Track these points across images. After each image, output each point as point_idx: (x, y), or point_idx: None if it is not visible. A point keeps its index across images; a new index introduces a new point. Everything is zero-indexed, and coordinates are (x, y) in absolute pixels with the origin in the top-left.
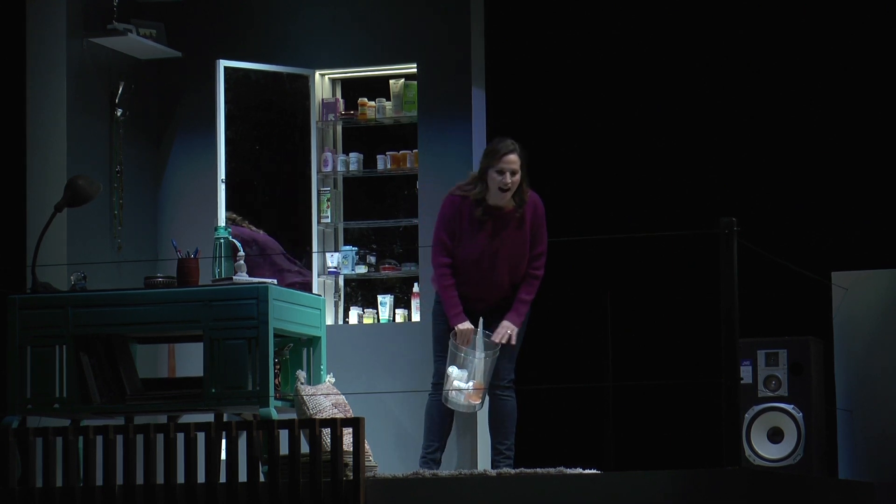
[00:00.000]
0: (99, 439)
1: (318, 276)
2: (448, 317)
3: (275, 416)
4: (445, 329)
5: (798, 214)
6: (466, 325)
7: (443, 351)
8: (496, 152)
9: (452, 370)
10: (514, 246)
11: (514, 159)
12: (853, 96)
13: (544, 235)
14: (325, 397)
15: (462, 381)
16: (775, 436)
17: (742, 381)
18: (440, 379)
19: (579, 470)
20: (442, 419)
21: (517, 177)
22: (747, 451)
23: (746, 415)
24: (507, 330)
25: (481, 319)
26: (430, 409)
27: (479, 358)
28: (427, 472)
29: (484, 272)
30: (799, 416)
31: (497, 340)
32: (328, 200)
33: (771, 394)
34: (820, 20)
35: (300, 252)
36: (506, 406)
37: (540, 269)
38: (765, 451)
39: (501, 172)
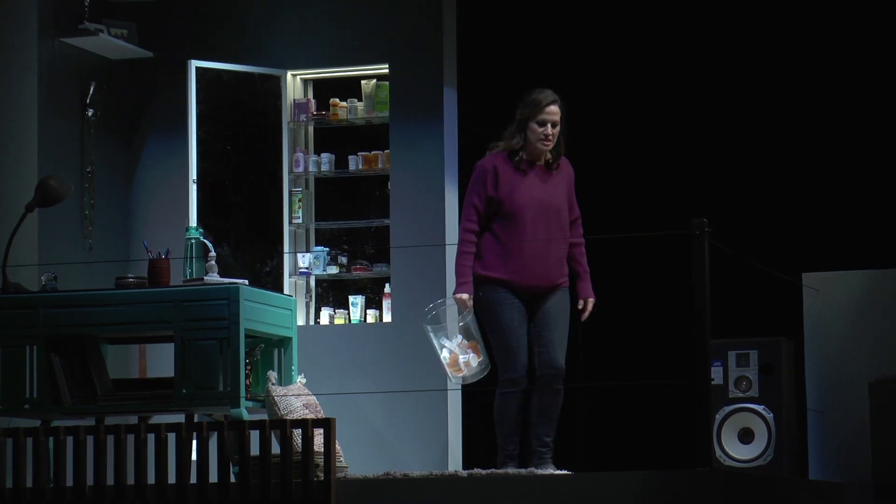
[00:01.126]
0: (69, 440)
1: (290, 276)
2: (456, 283)
3: (246, 416)
4: (511, 311)
5: (769, 215)
6: (466, 296)
7: (512, 339)
8: (538, 103)
9: (445, 340)
10: (560, 199)
11: (556, 110)
12: (823, 98)
13: (575, 200)
14: (296, 398)
15: (453, 345)
16: (746, 436)
17: (713, 382)
18: (512, 374)
19: (550, 471)
20: (517, 414)
21: (557, 129)
22: (718, 452)
23: (717, 415)
24: (589, 304)
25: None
26: (503, 407)
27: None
28: (398, 473)
29: (538, 228)
30: (769, 416)
31: (586, 315)
32: (300, 201)
33: (742, 394)
34: (791, 22)
35: (271, 252)
36: (558, 399)
37: (583, 237)
38: (735, 451)
39: (543, 124)
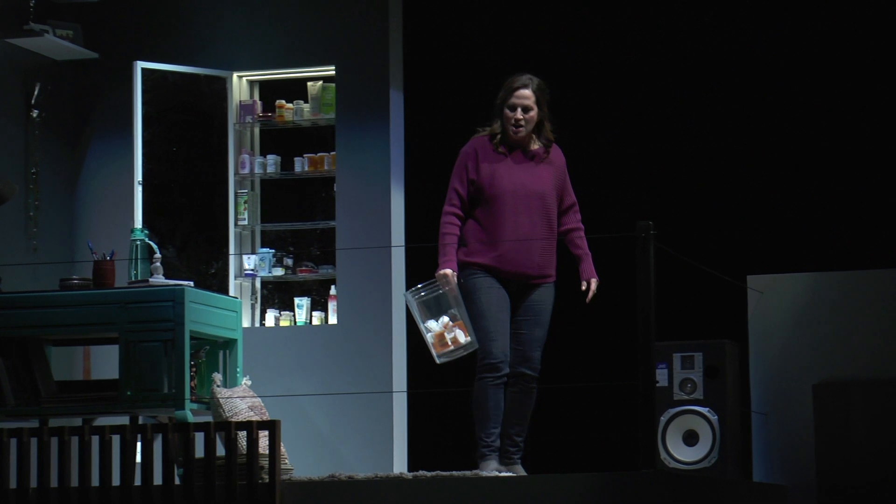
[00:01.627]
0: (13, 442)
1: (235, 278)
2: (439, 262)
3: (190, 418)
4: (492, 297)
5: (714, 218)
6: (449, 271)
7: (490, 324)
8: (508, 86)
9: (431, 323)
10: (544, 185)
11: (526, 94)
12: (767, 102)
13: (571, 187)
14: (242, 400)
15: (438, 326)
16: (690, 438)
17: (658, 384)
18: (491, 360)
19: (495, 472)
20: (497, 402)
21: (532, 114)
22: (662, 454)
23: (662, 417)
24: (593, 284)
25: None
26: (480, 394)
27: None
28: (343, 475)
29: (520, 213)
30: (714, 418)
31: (590, 297)
32: (245, 202)
33: (686, 397)
34: (735, 24)
35: (217, 254)
36: (532, 398)
37: (581, 222)
38: (680, 453)
39: (513, 108)
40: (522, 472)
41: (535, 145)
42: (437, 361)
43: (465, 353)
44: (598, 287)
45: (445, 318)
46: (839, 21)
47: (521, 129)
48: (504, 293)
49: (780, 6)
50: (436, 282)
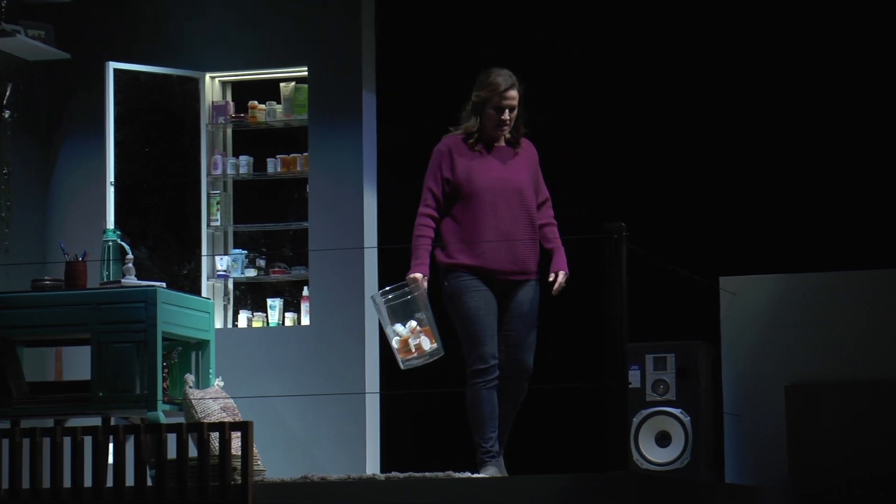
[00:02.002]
0: None
1: (208, 279)
2: (411, 264)
3: (163, 419)
4: (479, 299)
5: (686, 219)
6: (420, 275)
7: (478, 327)
8: (496, 87)
9: (398, 327)
10: (522, 180)
11: (514, 95)
12: (739, 102)
13: (543, 181)
14: (214, 401)
15: (405, 330)
16: (663, 440)
17: (630, 386)
18: (481, 364)
19: (468, 474)
20: (492, 406)
21: (515, 113)
22: (635, 456)
23: (634, 419)
24: (561, 277)
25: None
26: (473, 400)
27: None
28: (315, 476)
29: (500, 209)
30: (686, 420)
31: (557, 288)
32: (218, 203)
33: (659, 398)
34: (707, 25)
35: (189, 255)
36: (520, 399)
37: (554, 217)
38: (652, 455)
39: (500, 110)
40: (504, 473)
41: (507, 136)
42: (402, 367)
43: (430, 360)
44: (568, 283)
45: (413, 323)
46: (804, 20)
47: (506, 129)
48: (490, 294)
49: (752, 6)
50: (405, 284)
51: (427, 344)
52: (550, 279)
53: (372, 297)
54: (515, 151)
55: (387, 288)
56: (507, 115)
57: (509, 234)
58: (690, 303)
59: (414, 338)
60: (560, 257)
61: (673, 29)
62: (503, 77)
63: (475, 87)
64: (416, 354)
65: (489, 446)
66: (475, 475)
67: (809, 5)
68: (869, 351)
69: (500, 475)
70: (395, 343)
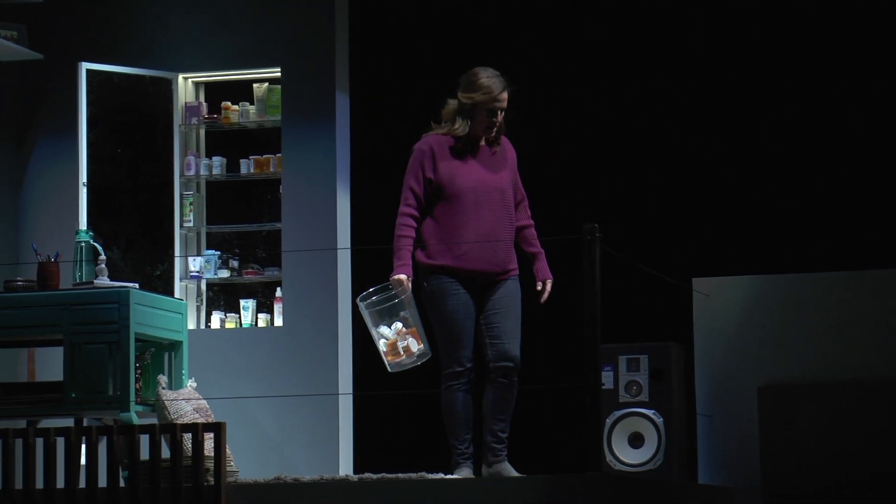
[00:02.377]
0: None
1: (181, 280)
2: (394, 266)
3: (135, 420)
4: (458, 303)
5: (659, 221)
6: (404, 276)
7: (456, 331)
8: (490, 91)
9: (384, 329)
10: (503, 180)
11: (506, 97)
12: (711, 103)
13: (521, 181)
14: (187, 402)
15: (391, 333)
16: (636, 441)
17: (603, 387)
18: (457, 367)
19: (441, 475)
20: (467, 408)
21: (503, 115)
22: (608, 457)
23: (607, 420)
24: (548, 285)
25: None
26: (448, 402)
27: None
28: (289, 477)
29: (482, 209)
30: (659, 421)
31: (545, 298)
32: (191, 204)
33: (632, 399)
34: (679, 26)
35: (162, 256)
36: (513, 392)
37: (531, 218)
38: (626, 456)
39: (493, 112)
40: (512, 471)
41: (490, 136)
42: (389, 370)
43: (418, 363)
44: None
45: (399, 325)
46: (775, 19)
47: (495, 130)
48: (469, 298)
49: (720, 6)
50: (388, 286)
51: (415, 346)
52: (538, 288)
53: (357, 299)
54: (495, 151)
55: (370, 290)
56: (498, 118)
57: (490, 234)
58: (663, 304)
59: (401, 340)
60: (543, 264)
61: (647, 30)
62: (495, 80)
63: (463, 89)
64: (404, 357)
65: (464, 448)
66: (449, 476)
67: (776, 4)
68: (841, 352)
69: (472, 477)
70: (382, 346)
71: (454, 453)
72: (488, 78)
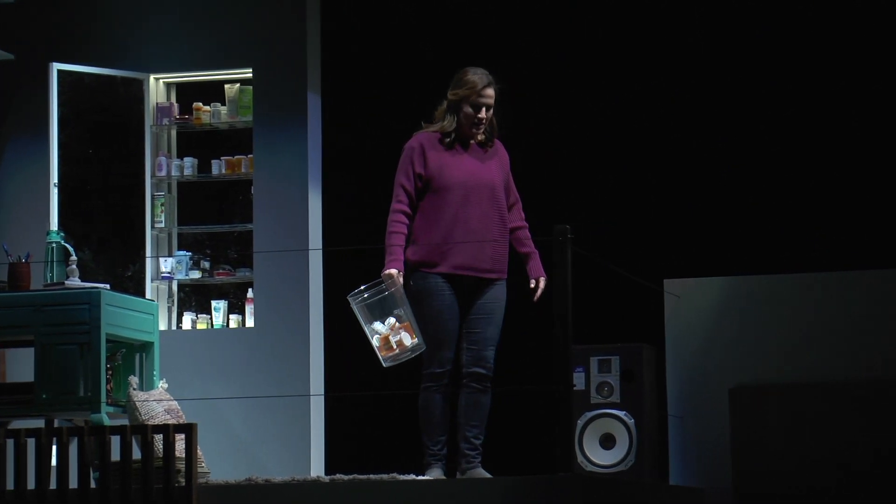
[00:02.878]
0: None
1: (152, 281)
2: (386, 261)
3: (106, 421)
4: (443, 303)
5: (631, 222)
6: (395, 271)
7: (439, 331)
8: (473, 86)
9: (377, 325)
10: (494, 178)
11: (491, 93)
12: (681, 104)
13: (514, 184)
14: (158, 403)
15: (384, 328)
16: (607, 442)
17: (575, 388)
18: (436, 368)
19: (412, 476)
20: (443, 410)
21: (491, 111)
22: (580, 458)
23: (579, 421)
24: (542, 283)
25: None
26: (424, 402)
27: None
28: (260, 479)
29: (471, 205)
30: (631, 422)
31: (538, 295)
32: (162, 205)
33: (603, 400)
34: (651, 26)
35: (133, 257)
36: (487, 398)
37: (524, 220)
38: (597, 457)
39: (478, 108)
40: (486, 476)
41: (481, 137)
42: (384, 365)
43: (412, 356)
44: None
45: (392, 320)
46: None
47: (482, 127)
48: (454, 298)
49: (690, 8)
50: (380, 282)
51: (408, 339)
52: (532, 286)
53: (348, 298)
54: (487, 151)
55: (362, 287)
56: (483, 114)
57: (480, 230)
58: (635, 305)
59: (394, 335)
60: (537, 262)
61: (616, 32)
62: (480, 76)
63: (451, 86)
64: (397, 351)
65: (436, 449)
66: (420, 477)
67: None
68: (812, 354)
69: (444, 478)
70: (375, 341)
71: (426, 454)
72: (474, 74)
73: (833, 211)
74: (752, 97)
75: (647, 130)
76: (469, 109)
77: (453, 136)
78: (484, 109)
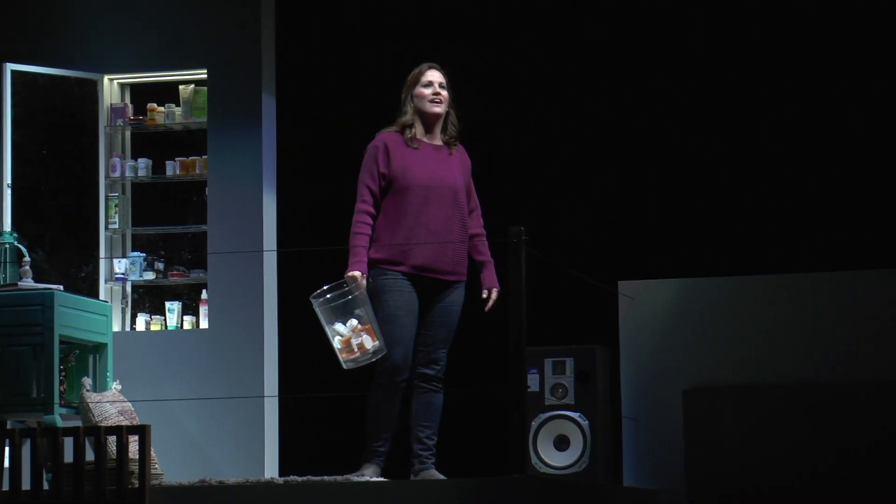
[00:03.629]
0: None
1: (106, 282)
2: (349, 262)
3: (59, 423)
4: (401, 300)
5: (585, 224)
6: (358, 273)
7: (395, 328)
8: (417, 72)
9: (339, 326)
10: (456, 180)
11: (437, 74)
12: (638, 105)
13: (474, 190)
14: (112, 404)
15: (345, 330)
16: (561, 443)
17: (529, 389)
18: (391, 365)
19: (366, 478)
20: (392, 408)
21: (446, 92)
22: (533, 459)
23: (533, 423)
24: (494, 293)
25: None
26: (373, 398)
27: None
28: (213, 480)
29: (432, 205)
30: (585, 423)
31: (490, 306)
32: (116, 206)
33: (557, 402)
34: (615, 25)
35: (87, 258)
36: (439, 398)
37: (483, 228)
38: (551, 458)
39: (428, 85)
40: (439, 477)
41: (443, 139)
42: (344, 367)
43: (373, 359)
44: (498, 296)
45: (353, 321)
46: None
47: (440, 103)
48: (414, 296)
49: (656, 9)
50: (343, 283)
51: (369, 342)
52: (483, 296)
53: (311, 299)
54: (451, 154)
55: (325, 287)
56: (437, 88)
57: (441, 231)
58: (589, 307)
59: (356, 337)
60: (491, 272)
61: (574, 30)
62: (420, 65)
63: (405, 88)
64: (358, 353)
65: (377, 446)
66: (373, 479)
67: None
68: (766, 355)
69: (379, 478)
70: (336, 343)
71: (368, 449)
72: (415, 67)
73: (789, 213)
74: (709, 96)
75: (602, 132)
76: (421, 90)
77: (414, 129)
78: (436, 85)
